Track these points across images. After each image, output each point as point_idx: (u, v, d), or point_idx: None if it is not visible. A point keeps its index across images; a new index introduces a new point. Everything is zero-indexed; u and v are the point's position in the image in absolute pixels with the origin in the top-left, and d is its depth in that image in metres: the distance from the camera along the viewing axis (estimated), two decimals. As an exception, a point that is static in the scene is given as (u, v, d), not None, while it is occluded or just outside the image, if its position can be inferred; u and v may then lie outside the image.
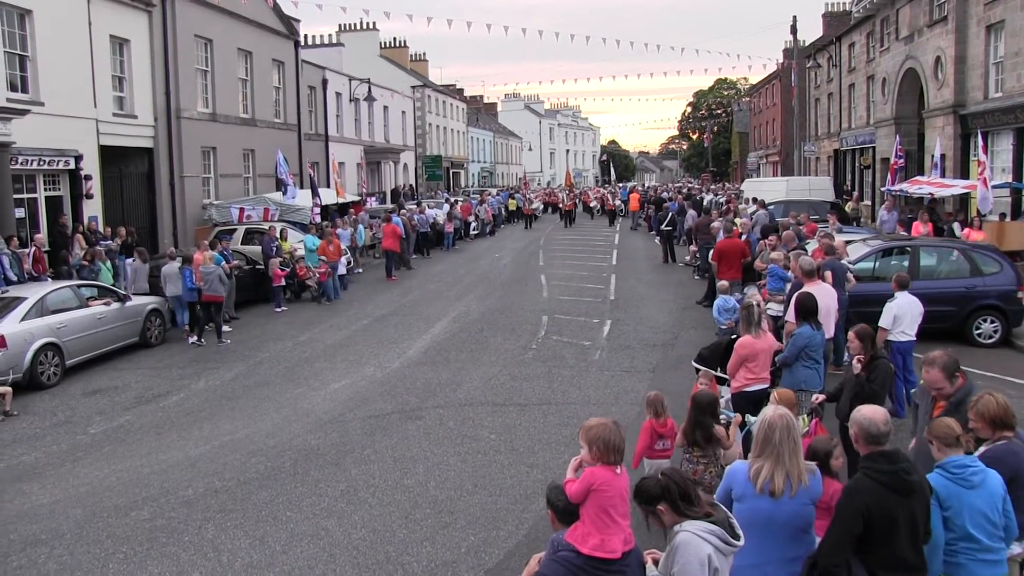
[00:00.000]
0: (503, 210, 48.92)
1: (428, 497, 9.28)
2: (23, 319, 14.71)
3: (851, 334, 8.57)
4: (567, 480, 4.81)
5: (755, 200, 31.63)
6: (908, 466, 4.99)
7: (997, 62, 26.45)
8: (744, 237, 20.58)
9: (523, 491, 9.39)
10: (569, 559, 4.53)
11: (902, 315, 11.55)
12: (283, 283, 22.36)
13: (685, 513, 4.54)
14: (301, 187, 31.64)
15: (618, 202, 50.36)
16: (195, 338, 18.06)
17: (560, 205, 51.40)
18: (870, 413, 5.12)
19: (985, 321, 15.77)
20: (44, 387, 14.61)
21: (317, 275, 23.03)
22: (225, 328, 19.17)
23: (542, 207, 55.59)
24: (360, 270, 28.92)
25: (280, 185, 28.79)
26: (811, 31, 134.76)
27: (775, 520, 4.99)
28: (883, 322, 11.44)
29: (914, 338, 11.73)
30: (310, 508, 9.07)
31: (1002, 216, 23.57)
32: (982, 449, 5.70)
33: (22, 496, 9.75)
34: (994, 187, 22.49)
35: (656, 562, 4.75)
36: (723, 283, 15.37)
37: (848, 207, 34.35)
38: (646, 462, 8.18)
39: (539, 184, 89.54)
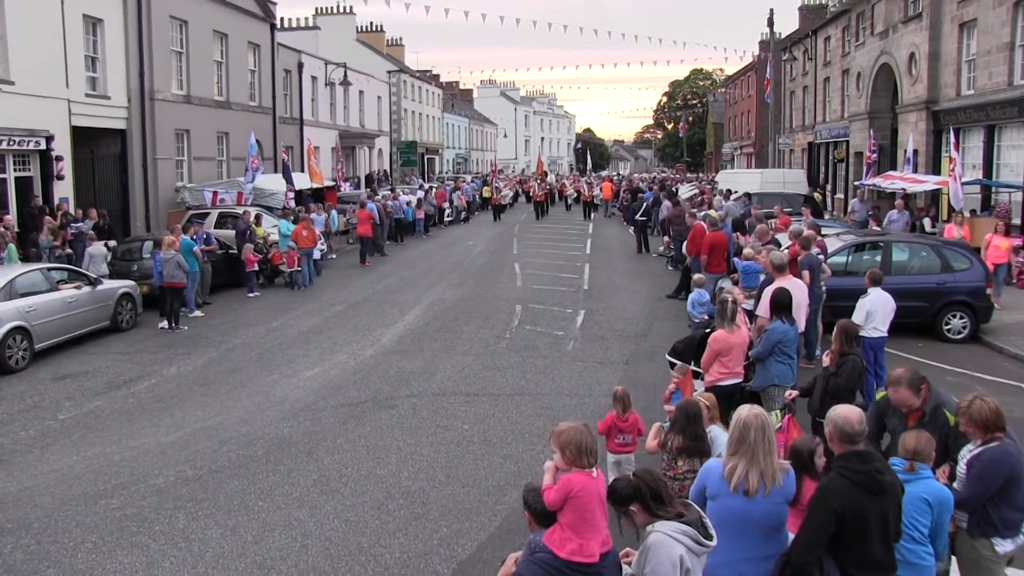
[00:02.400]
0: (477, 197, 48.62)
1: (401, 487, 9.27)
2: (-9, 302, 14.52)
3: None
4: (544, 487, 4.80)
5: (729, 192, 31.75)
6: (881, 466, 5.05)
7: (969, 60, 26.70)
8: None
9: (496, 482, 9.40)
10: (547, 561, 4.54)
11: (874, 311, 11.66)
12: (256, 268, 22.17)
13: (657, 513, 4.56)
14: (276, 171, 31.39)
15: (596, 192, 48.30)
16: (165, 323, 17.89)
17: (532, 194, 49.31)
18: (845, 412, 5.16)
19: (955, 317, 15.96)
20: (12, 371, 14.39)
21: (288, 260, 22.87)
22: (197, 313, 19.04)
23: (512, 196, 53.62)
24: (334, 256, 28.78)
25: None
26: (787, 23, 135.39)
27: (749, 519, 5.02)
28: (855, 318, 11.52)
29: (886, 334, 11.85)
30: (282, 498, 9.03)
31: (972, 212, 23.81)
32: (975, 451, 5.77)
33: (-11, 483, 9.64)
34: (964, 183, 22.72)
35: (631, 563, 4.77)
36: (699, 276, 15.43)
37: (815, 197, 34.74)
38: (609, 457, 8.23)
39: (513, 171, 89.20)
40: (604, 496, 4.74)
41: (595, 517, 4.64)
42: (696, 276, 15.66)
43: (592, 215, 45.04)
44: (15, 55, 21.51)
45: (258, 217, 24.63)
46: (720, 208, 25.35)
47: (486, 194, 48.41)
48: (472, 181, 53.25)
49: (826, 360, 8.70)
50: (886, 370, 11.85)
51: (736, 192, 31.06)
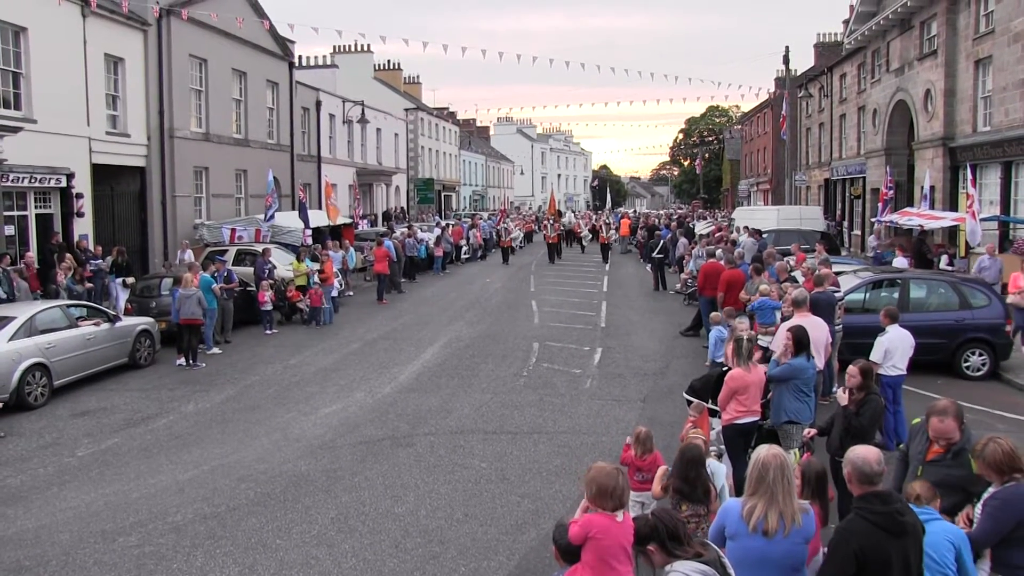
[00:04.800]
0: (494, 235, 48.46)
1: (419, 526, 9.24)
2: (11, 338, 14.62)
3: (854, 368, 8.53)
4: (572, 520, 4.80)
5: (745, 228, 31.75)
6: (902, 507, 5.00)
7: (985, 96, 26.73)
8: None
9: (514, 521, 9.35)
10: (566, 601, 4.53)
11: (893, 349, 11.59)
12: (271, 306, 22.14)
13: (675, 553, 4.54)
14: (293, 208, 31.64)
15: (612, 232, 45.33)
16: (183, 360, 17.96)
17: (545, 235, 45.13)
18: (864, 453, 5.13)
19: (973, 354, 15.85)
20: (31, 408, 14.49)
21: (312, 299, 22.95)
22: (215, 350, 19.11)
23: (522, 237, 50.92)
24: (351, 293, 28.89)
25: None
26: (803, 61, 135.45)
27: (768, 559, 4.98)
28: (874, 356, 11.46)
29: (904, 372, 11.77)
30: (300, 536, 9.02)
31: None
32: (992, 491, 5.71)
33: (6, 521, 9.65)
34: (982, 220, 22.64)
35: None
36: (716, 314, 15.39)
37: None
38: (632, 495, 8.19)
39: (529, 208, 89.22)
40: (627, 542, 4.71)
41: (616, 562, 4.61)
42: (713, 314, 15.60)
43: (609, 256, 41.96)
44: (38, 94, 21.89)
45: (300, 254, 24.61)
46: (739, 245, 25.33)
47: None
48: (489, 219, 53.37)
49: (843, 399, 8.60)
50: (904, 408, 11.80)
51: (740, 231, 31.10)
